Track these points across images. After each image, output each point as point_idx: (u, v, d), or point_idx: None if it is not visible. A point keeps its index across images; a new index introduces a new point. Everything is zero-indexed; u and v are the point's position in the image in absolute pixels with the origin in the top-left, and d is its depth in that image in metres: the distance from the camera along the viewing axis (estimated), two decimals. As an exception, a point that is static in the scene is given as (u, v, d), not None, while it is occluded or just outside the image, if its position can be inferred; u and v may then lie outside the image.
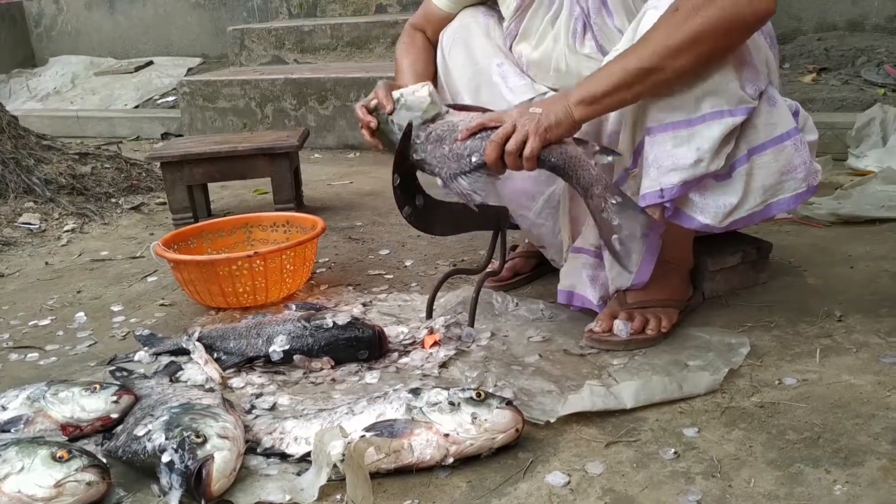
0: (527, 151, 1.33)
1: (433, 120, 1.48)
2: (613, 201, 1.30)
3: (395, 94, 1.50)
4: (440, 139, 1.43)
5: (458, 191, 1.41)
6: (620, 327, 1.47)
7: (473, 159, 1.39)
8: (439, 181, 1.47)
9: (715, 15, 1.25)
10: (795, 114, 1.41)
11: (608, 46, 1.50)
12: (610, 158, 1.42)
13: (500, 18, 1.68)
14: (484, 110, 1.49)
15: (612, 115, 1.47)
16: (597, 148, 1.37)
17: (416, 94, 1.49)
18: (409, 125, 1.46)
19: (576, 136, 1.38)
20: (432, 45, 1.75)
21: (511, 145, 1.33)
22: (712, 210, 1.39)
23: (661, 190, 1.36)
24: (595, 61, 1.51)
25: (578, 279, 1.57)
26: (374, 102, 1.52)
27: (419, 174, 1.50)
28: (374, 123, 1.51)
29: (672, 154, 1.34)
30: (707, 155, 1.33)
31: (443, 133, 1.44)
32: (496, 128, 1.37)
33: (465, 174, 1.40)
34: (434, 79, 1.71)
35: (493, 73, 1.63)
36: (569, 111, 1.33)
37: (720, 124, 1.32)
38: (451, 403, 1.17)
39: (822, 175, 1.42)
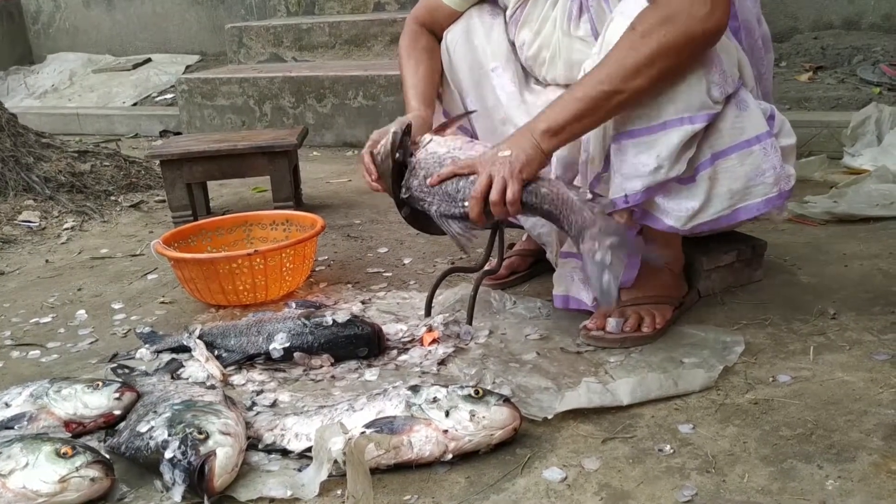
0: (509, 197, 1.33)
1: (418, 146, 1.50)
2: (607, 243, 1.28)
3: (375, 151, 1.52)
4: (425, 172, 1.45)
5: (449, 232, 1.44)
6: (613, 325, 1.49)
7: (466, 204, 1.39)
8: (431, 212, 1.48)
9: (668, 35, 1.27)
10: (771, 117, 1.41)
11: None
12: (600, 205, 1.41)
13: (504, 16, 1.68)
14: (463, 118, 1.53)
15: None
16: (589, 196, 1.37)
17: (385, 143, 1.49)
18: (393, 166, 1.48)
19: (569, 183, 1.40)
20: (437, 40, 1.73)
21: (494, 196, 1.34)
22: (675, 213, 1.40)
23: (626, 196, 1.39)
24: (587, 45, 1.51)
25: (571, 283, 1.60)
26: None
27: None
28: (374, 175, 1.53)
29: (634, 161, 1.36)
30: (666, 162, 1.35)
31: (426, 163, 1.46)
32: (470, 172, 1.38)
33: (456, 219, 1.42)
34: (440, 83, 1.72)
35: (492, 77, 1.66)
36: (536, 144, 1.34)
37: (679, 131, 1.33)
38: (450, 401, 1.19)
39: (794, 180, 1.40)
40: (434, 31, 1.74)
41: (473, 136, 1.73)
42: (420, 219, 1.54)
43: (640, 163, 1.36)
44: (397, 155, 1.48)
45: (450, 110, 1.75)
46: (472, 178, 1.39)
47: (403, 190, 1.49)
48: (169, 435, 1.14)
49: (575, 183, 1.53)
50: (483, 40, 1.67)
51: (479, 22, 1.68)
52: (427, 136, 1.52)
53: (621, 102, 1.32)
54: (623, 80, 1.29)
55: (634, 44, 1.28)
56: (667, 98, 1.33)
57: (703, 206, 1.39)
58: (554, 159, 1.55)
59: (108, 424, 1.32)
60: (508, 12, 1.65)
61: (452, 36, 1.70)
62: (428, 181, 1.43)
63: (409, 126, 1.52)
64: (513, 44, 1.67)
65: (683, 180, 1.38)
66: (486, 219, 1.38)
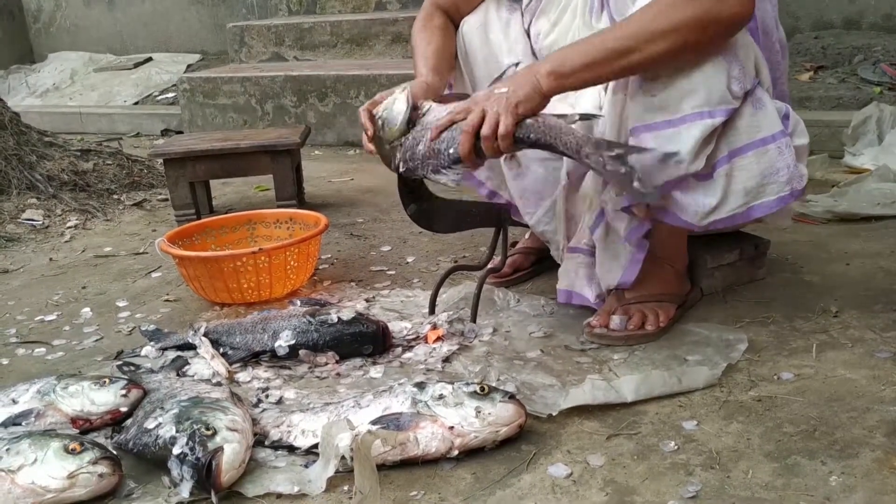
0: (501, 130, 1.29)
1: (416, 122, 1.44)
2: (612, 154, 1.25)
3: (376, 112, 1.47)
4: (417, 142, 1.41)
5: (441, 182, 1.39)
6: (616, 322, 1.50)
7: (451, 151, 1.34)
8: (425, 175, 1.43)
9: (697, 9, 1.26)
10: (786, 117, 1.41)
11: None
12: (592, 120, 1.40)
13: (521, 7, 1.66)
14: (466, 97, 1.45)
15: (604, 118, 1.46)
16: (577, 117, 1.33)
17: (395, 106, 1.44)
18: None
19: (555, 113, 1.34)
20: (453, 23, 1.71)
21: (486, 130, 1.30)
22: (692, 209, 1.40)
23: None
24: None
25: (576, 278, 1.60)
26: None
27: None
28: (370, 131, 1.48)
29: (654, 155, 1.36)
30: (688, 156, 1.34)
31: (418, 136, 1.41)
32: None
33: (444, 168, 1.37)
34: (452, 62, 1.69)
35: (508, 72, 1.64)
36: (537, 83, 1.31)
37: (700, 125, 1.33)
38: (456, 397, 1.19)
39: (806, 179, 1.41)
40: (451, 14, 1.71)
41: None
42: (426, 217, 1.54)
43: None
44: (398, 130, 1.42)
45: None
46: (460, 123, 1.34)
47: (401, 164, 1.43)
48: (177, 431, 1.15)
49: (587, 178, 1.52)
50: (500, 35, 1.65)
51: (496, 16, 1.66)
52: (428, 103, 1.46)
53: (634, 64, 1.30)
54: (644, 40, 1.28)
55: (662, 10, 1.28)
56: (687, 91, 1.33)
57: (720, 203, 1.39)
58: None
59: (115, 421, 1.33)
60: (525, 1, 1.64)
61: (468, 27, 1.68)
62: (428, 135, 1.38)
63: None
64: (527, 33, 1.65)
65: (700, 176, 1.38)
66: (476, 158, 1.34)
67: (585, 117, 1.37)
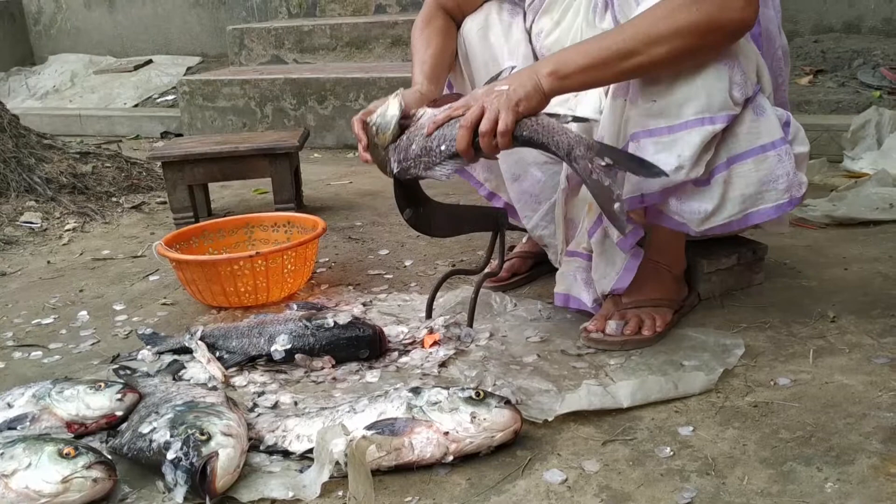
0: (500, 127, 1.28)
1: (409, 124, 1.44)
2: (602, 163, 1.25)
3: (369, 121, 1.47)
4: (411, 142, 1.40)
5: (435, 177, 1.38)
6: (613, 327, 1.50)
7: (443, 148, 1.34)
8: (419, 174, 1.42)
9: (700, 14, 1.26)
10: (786, 124, 1.41)
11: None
12: (591, 123, 1.40)
13: (524, 7, 1.66)
14: (459, 98, 1.45)
15: (604, 122, 1.46)
16: (570, 118, 1.33)
17: (388, 112, 1.45)
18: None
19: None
20: (455, 21, 1.70)
21: (485, 126, 1.29)
22: (688, 215, 1.40)
23: (643, 195, 1.39)
24: None
25: (573, 283, 1.60)
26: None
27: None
28: (364, 141, 1.48)
29: (654, 160, 1.34)
30: (688, 162, 1.34)
31: (413, 135, 1.41)
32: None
33: (437, 165, 1.36)
34: (451, 62, 1.69)
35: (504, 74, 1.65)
36: (538, 83, 1.31)
37: (701, 131, 1.33)
38: (451, 402, 1.19)
39: (806, 188, 1.40)
40: (453, 12, 1.71)
41: None
42: (423, 221, 1.54)
43: (660, 162, 1.33)
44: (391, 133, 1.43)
45: None
46: (456, 120, 1.33)
47: (395, 165, 1.43)
48: (171, 436, 1.14)
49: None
50: (501, 38, 1.65)
51: (497, 19, 1.66)
52: (422, 109, 1.47)
53: (636, 66, 1.30)
54: (646, 43, 1.27)
55: (666, 13, 1.27)
56: (688, 97, 1.33)
57: (716, 210, 1.39)
58: None
59: (110, 425, 1.33)
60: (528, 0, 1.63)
61: (469, 28, 1.68)
62: (424, 130, 1.37)
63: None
64: (529, 32, 1.65)
65: (698, 182, 1.38)
66: (473, 153, 1.33)
67: (578, 120, 1.37)
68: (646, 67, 1.31)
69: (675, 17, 1.27)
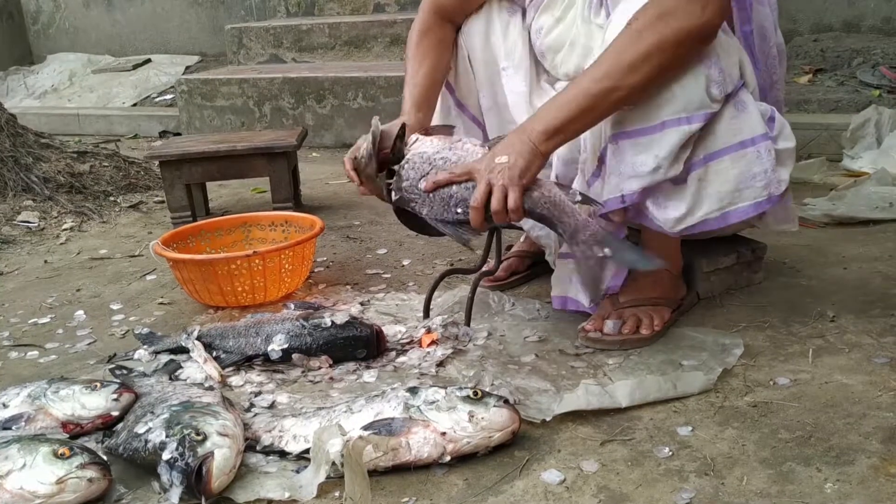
0: (511, 205, 1.31)
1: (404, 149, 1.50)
2: (601, 254, 1.30)
3: (357, 156, 1.53)
4: (418, 175, 1.43)
5: (447, 233, 1.43)
6: (611, 327, 1.49)
7: (459, 211, 1.39)
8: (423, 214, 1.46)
9: (664, 31, 1.27)
10: (770, 119, 1.40)
11: None
12: (591, 208, 1.41)
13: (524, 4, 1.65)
14: (450, 130, 1.55)
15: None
16: (579, 197, 1.36)
17: (364, 145, 1.51)
18: (378, 166, 1.51)
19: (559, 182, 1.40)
20: (453, 25, 1.69)
21: (496, 205, 1.32)
22: (663, 215, 1.40)
23: (623, 196, 1.39)
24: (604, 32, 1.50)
25: (569, 285, 1.59)
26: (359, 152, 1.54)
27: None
28: (356, 179, 1.54)
29: (632, 161, 1.35)
30: (665, 162, 1.34)
31: (416, 167, 1.44)
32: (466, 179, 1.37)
33: (449, 223, 1.41)
34: (445, 75, 1.70)
35: (503, 76, 1.65)
36: (534, 148, 1.33)
37: (678, 131, 1.33)
38: (449, 402, 1.18)
39: (786, 185, 1.39)
40: (452, 17, 1.69)
41: (483, 130, 1.73)
42: (414, 220, 1.54)
43: (638, 163, 1.35)
44: (388, 155, 1.49)
45: (463, 99, 1.73)
46: (466, 183, 1.38)
47: (393, 193, 1.48)
48: (167, 436, 1.14)
49: (574, 183, 1.53)
50: (500, 38, 1.65)
51: (497, 18, 1.65)
52: (413, 136, 1.51)
53: (619, 99, 1.31)
54: (621, 76, 1.28)
55: (632, 40, 1.28)
56: (665, 98, 1.33)
57: (690, 209, 1.39)
58: (555, 157, 1.54)
59: (106, 425, 1.32)
60: None
61: (470, 29, 1.67)
62: (422, 185, 1.41)
63: (403, 127, 1.51)
64: (529, 31, 1.64)
65: (676, 181, 1.38)
66: (486, 224, 1.38)
67: (587, 200, 1.38)
68: (632, 97, 1.32)
69: (644, 40, 1.27)
